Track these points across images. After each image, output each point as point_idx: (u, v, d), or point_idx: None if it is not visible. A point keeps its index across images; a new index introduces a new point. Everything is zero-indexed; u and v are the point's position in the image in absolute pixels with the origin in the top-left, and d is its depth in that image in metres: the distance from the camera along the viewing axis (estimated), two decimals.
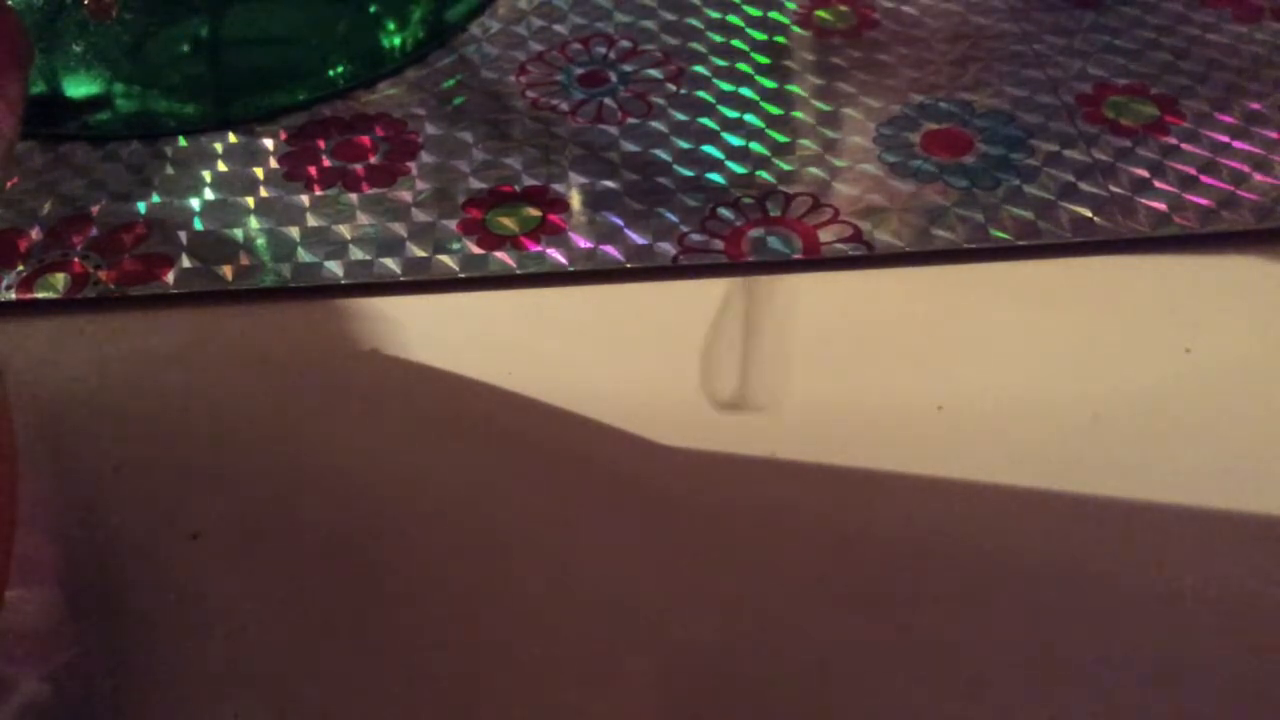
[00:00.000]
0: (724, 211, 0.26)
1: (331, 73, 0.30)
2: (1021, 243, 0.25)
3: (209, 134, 0.29)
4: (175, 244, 0.26)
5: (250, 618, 0.19)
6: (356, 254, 0.25)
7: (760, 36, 0.31)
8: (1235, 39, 0.30)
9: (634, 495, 0.21)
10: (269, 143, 0.28)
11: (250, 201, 0.27)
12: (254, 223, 0.26)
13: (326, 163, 0.28)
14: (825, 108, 0.29)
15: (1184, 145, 0.27)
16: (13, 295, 0.25)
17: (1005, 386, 0.22)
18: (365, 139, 0.28)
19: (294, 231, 0.26)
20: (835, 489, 0.21)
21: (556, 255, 0.25)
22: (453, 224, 0.26)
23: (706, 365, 0.23)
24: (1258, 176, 0.26)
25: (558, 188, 0.27)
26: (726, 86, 0.29)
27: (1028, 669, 0.18)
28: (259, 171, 0.28)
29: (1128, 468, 0.21)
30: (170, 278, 0.25)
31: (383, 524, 0.21)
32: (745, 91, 0.29)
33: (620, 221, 0.26)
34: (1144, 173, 0.26)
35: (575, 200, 0.26)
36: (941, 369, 0.23)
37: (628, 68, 0.30)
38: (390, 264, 0.25)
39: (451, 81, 0.30)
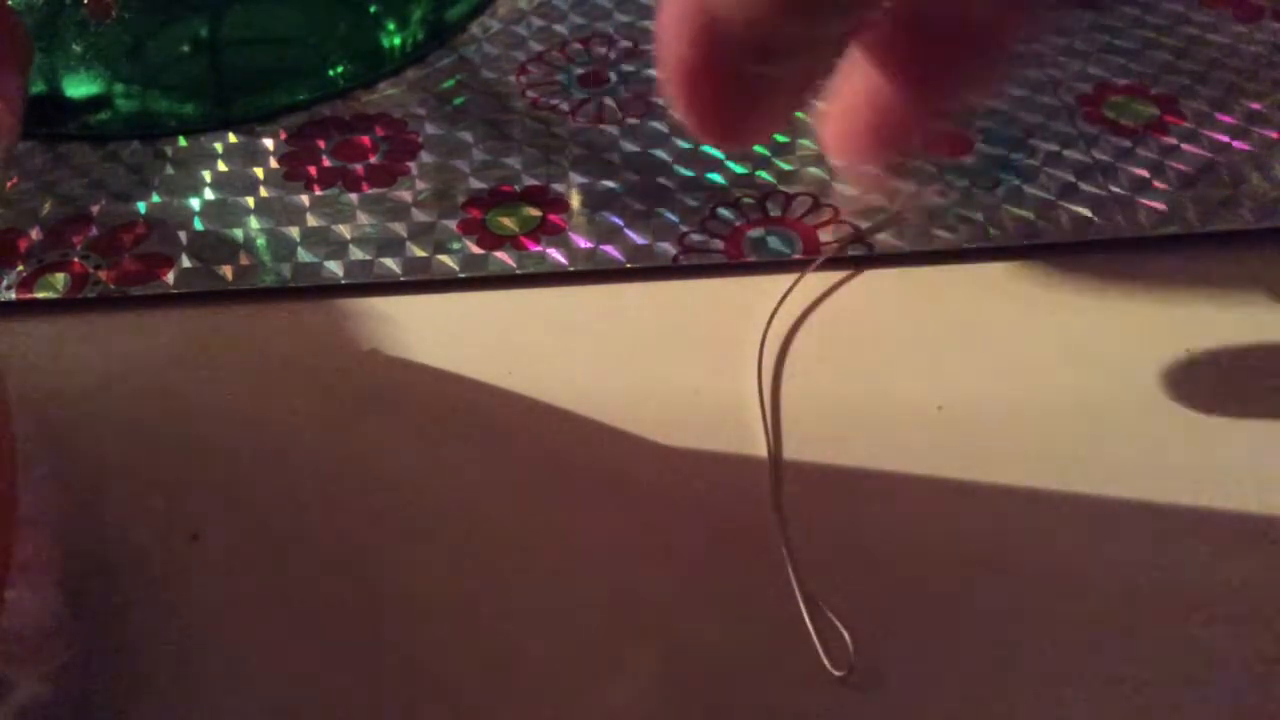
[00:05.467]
0: (724, 211, 0.26)
1: (331, 73, 0.30)
2: (1021, 243, 0.25)
3: (209, 134, 0.29)
4: (175, 244, 0.26)
5: (249, 618, 0.19)
6: (356, 254, 0.25)
7: None
8: (1235, 39, 0.30)
9: (634, 495, 0.21)
10: (269, 143, 0.28)
11: (250, 201, 0.27)
12: (254, 223, 0.26)
13: (326, 163, 0.28)
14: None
15: (1184, 145, 0.27)
16: (13, 295, 0.25)
17: (1005, 386, 0.22)
18: (365, 139, 0.28)
19: (294, 231, 0.26)
20: (835, 489, 0.21)
21: (556, 255, 0.25)
22: (453, 224, 0.26)
23: (706, 365, 0.23)
24: (1257, 176, 0.26)
25: (558, 188, 0.27)
26: None
27: (1027, 669, 0.18)
28: (259, 171, 0.28)
29: (1128, 468, 0.21)
30: (170, 278, 0.25)
31: (383, 523, 0.21)
32: None
33: (620, 221, 0.26)
34: (1144, 173, 0.26)
35: (575, 200, 0.26)
36: (941, 369, 0.23)
37: (628, 68, 0.30)
38: (390, 264, 0.25)
39: (451, 81, 0.30)
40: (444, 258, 0.25)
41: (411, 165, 0.28)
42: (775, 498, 0.20)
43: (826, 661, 0.18)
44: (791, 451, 0.21)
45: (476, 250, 0.25)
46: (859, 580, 0.19)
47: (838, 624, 0.19)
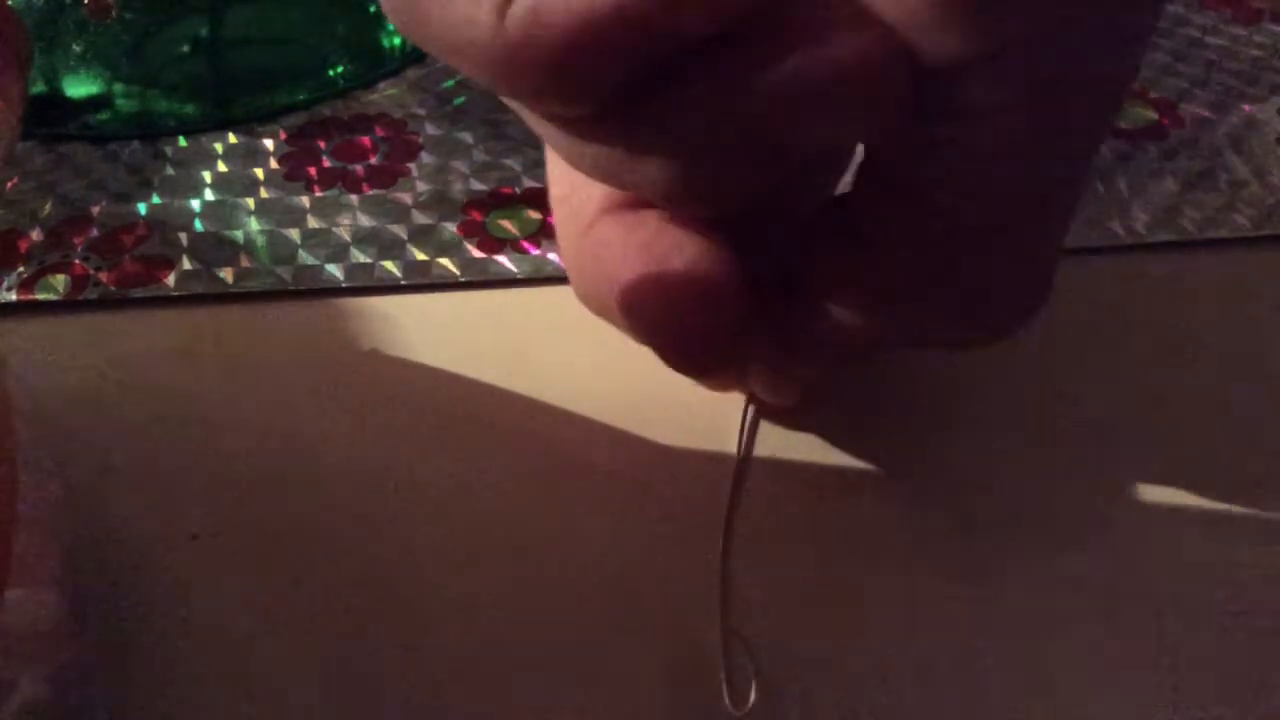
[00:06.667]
0: None
1: (331, 73, 0.30)
2: None
3: (209, 134, 0.29)
4: (176, 246, 0.26)
5: (249, 618, 0.19)
6: (357, 256, 0.25)
7: None
8: (1234, 41, 0.30)
9: (634, 495, 0.21)
10: (269, 143, 0.28)
11: (250, 203, 0.27)
12: (254, 224, 0.26)
13: (326, 163, 0.28)
14: None
15: (1182, 149, 0.27)
16: (13, 296, 0.25)
17: (1004, 387, 0.22)
18: (365, 139, 0.28)
19: (294, 233, 0.26)
20: (835, 488, 0.21)
21: (557, 259, 0.25)
22: (453, 226, 0.26)
23: None
24: (1256, 182, 0.26)
25: None
26: None
27: (1025, 672, 0.18)
28: (259, 172, 0.28)
29: (1126, 468, 0.21)
30: (171, 280, 0.25)
31: (382, 524, 0.21)
32: None
33: None
34: (1143, 176, 0.26)
35: None
36: (941, 368, 0.23)
37: None
38: (390, 267, 0.25)
39: (451, 82, 0.30)
40: (444, 261, 0.25)
41: (412, 166, 0.28)
42: (728, 521, 0.20)
43: (728, 699, 0.18)
44: (792, 451, 0.21)
45: (477, 254, 0.25)
46: (860, 580, 0.19)
47: (751, 663, 0.18)
